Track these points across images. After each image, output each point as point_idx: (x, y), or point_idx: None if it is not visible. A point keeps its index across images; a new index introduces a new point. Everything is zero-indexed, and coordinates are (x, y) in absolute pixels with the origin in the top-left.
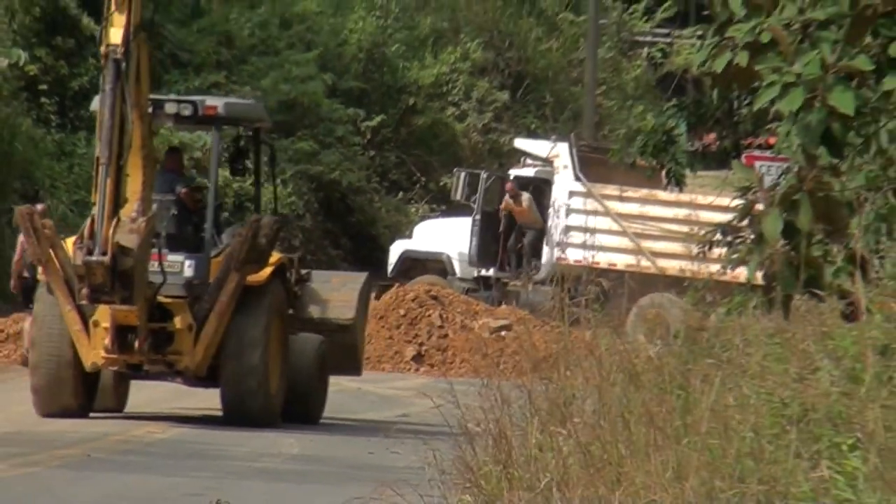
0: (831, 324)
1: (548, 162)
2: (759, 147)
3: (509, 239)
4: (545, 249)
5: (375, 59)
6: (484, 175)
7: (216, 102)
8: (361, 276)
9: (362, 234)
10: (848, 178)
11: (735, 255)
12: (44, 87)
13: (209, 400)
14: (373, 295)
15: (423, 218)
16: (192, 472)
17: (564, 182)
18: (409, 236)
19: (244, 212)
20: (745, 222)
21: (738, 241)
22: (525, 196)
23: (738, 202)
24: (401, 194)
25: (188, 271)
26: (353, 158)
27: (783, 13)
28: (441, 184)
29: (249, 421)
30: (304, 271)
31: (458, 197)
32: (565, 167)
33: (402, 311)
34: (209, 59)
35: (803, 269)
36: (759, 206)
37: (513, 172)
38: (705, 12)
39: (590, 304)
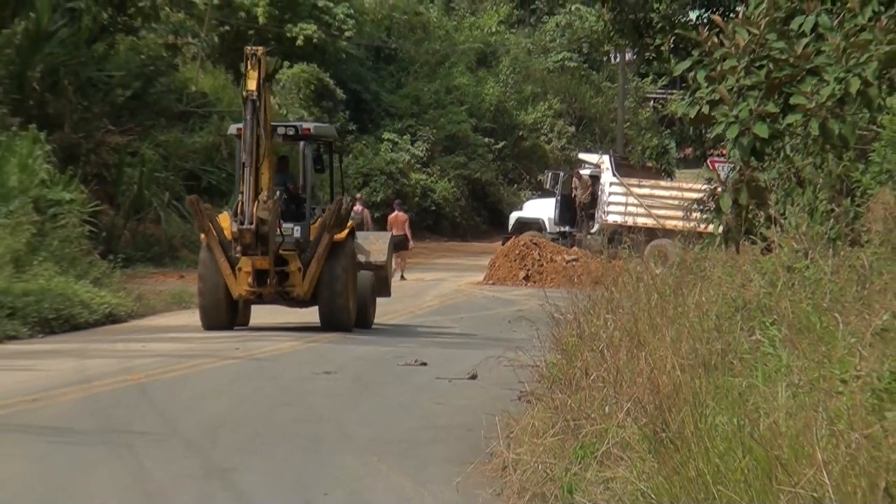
0: (759, 254)
1: (597, 166)
2: (717, 156)
3: (576, 210)
4: (596, 216)
5: (500, 109)
6: (561, 173)
7: (309, 125)
8: (388, 234)
9: (494, 209)
10: (767, 173)
11: (705, 218)
12: None
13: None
14: (499, 242)
15: (529, 198)
16: (397, 344)
17: (607, 177)
18: (521, 209)
19: (427, 198)
20: (710, 199)
21: (707, 210)
22: (585, 177)
23: (705, 188)
24: (515, 185)
25: (296, 234)
26: (488, 166)
27: (727, 83)
28: (538, 179)
29: (337, 327)
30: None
31: (548, 186)
32: (607, 169)
33: (516, 251)
34: (406, 112)
35: (743, 225)
36: (718, 190)
37: (581, 171)
38: (685, 83)
39: (624, 247)
